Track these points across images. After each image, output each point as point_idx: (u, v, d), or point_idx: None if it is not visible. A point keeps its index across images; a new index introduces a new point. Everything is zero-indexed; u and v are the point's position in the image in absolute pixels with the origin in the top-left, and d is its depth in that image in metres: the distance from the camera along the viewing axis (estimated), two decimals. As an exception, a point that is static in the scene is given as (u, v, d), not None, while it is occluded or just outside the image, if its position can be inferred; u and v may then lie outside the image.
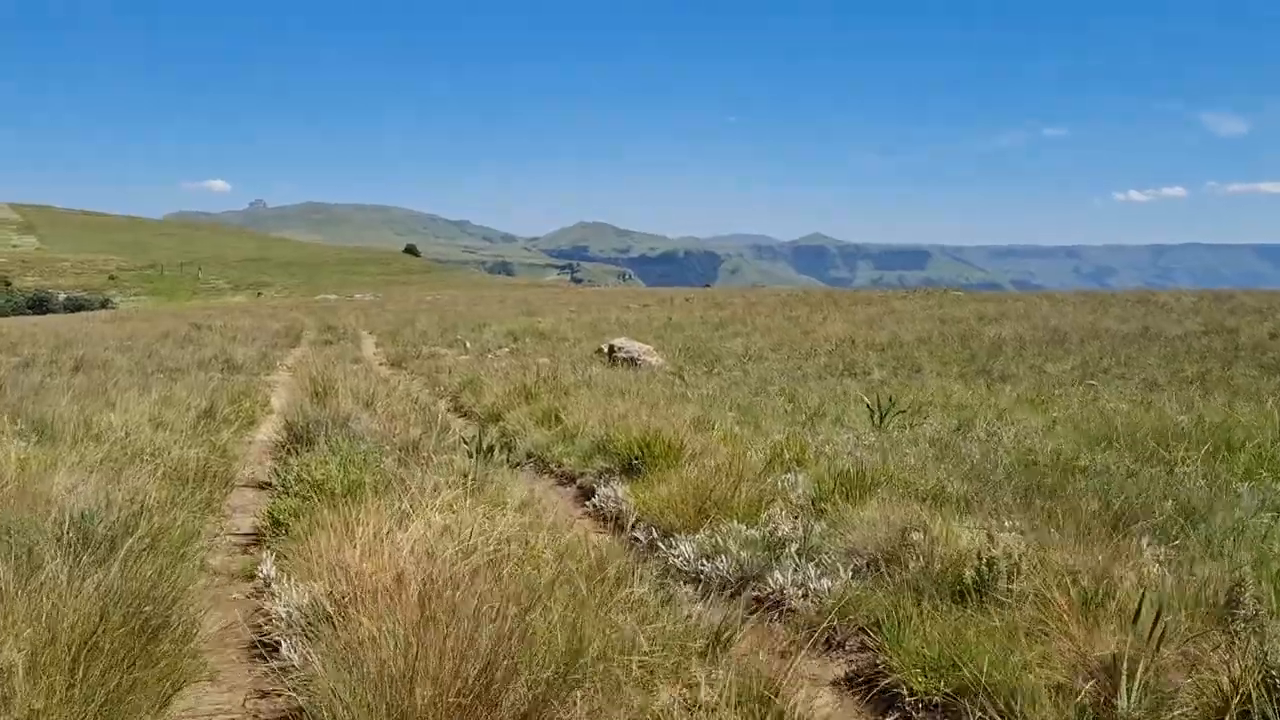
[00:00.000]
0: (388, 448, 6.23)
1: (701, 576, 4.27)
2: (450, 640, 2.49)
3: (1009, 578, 3.62)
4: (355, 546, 3.60)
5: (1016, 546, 3.82)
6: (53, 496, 4.55)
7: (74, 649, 2.67)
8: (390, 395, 9.79)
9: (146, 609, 3.07)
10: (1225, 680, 2.82)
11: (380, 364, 17.07)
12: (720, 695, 2.64)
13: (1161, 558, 3.97)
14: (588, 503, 6.05)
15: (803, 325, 24.64)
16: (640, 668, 2.79)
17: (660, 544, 4.71)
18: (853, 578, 4.01)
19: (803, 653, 3.14)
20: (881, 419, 7.92)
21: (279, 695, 3.08)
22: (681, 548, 4.50)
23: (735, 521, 4.70)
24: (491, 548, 3.50)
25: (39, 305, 70.00)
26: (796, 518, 4.77)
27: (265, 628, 3.61)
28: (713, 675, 2.80)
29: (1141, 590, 3.09)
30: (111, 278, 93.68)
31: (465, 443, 6.61)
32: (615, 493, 5.72)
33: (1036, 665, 2.96)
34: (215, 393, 9.80)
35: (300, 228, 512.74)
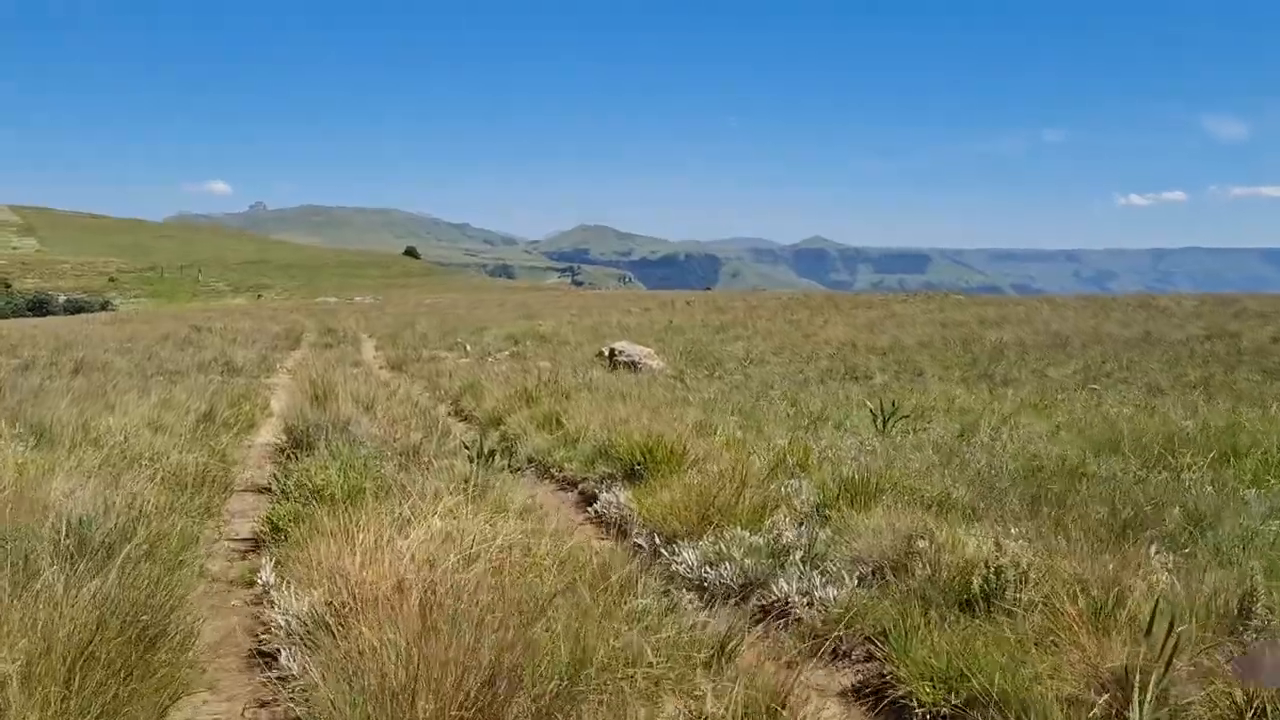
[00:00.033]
0: (388, 453, 6.19)
1: (705, 584, 4.22)
2: (453, 651, 2.45)
3: (1017, 587, 3.58)
4: (355, 553, 3.55)
5: (1024, 555, 3.77)
6: (50, 502, 4.50)
7: (70, 659, 2.62)
8: (390, 399, 9.75)
9: (144, 617, 3.03)
10: (1239, 693, 2.78)
11: (380, 367, 17.03)
12: (727, 708, 2.60)
13: (1170, 566, 3.92)
14: (589, 508, 6.01)
15: (804, 329, 24.62)
16: (645, 679, 2.74)
17: (663, 551, 4.66)
18: (858, 586, 3.96)
19: (813, 665, 3.09)
20: (885, 424, 7.87)
21: (278, 705, 3.04)
22: (685, 555, 4.46)
23: (739, 528, 4.65)
24: (494, 555, 3.45)
25: (39, 307, 69.96)
26: (801, 524, 4.73)
27: (264, 636, 3.57)
28: (719, 687, 2.76)
29: (1155, 601, 3.04)
30: (111, 280, 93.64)
31: (466, 447, 6.57)
32: (617, 498, 5.68)
33: (1047, 677, 2.92)
34: (215, 396, 9.76)
35: (300, 230, 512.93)
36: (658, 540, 4.83)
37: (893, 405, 8.17)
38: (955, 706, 3.02)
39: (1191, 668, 2.92)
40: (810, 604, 3.90)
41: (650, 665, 2.74)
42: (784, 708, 2.73)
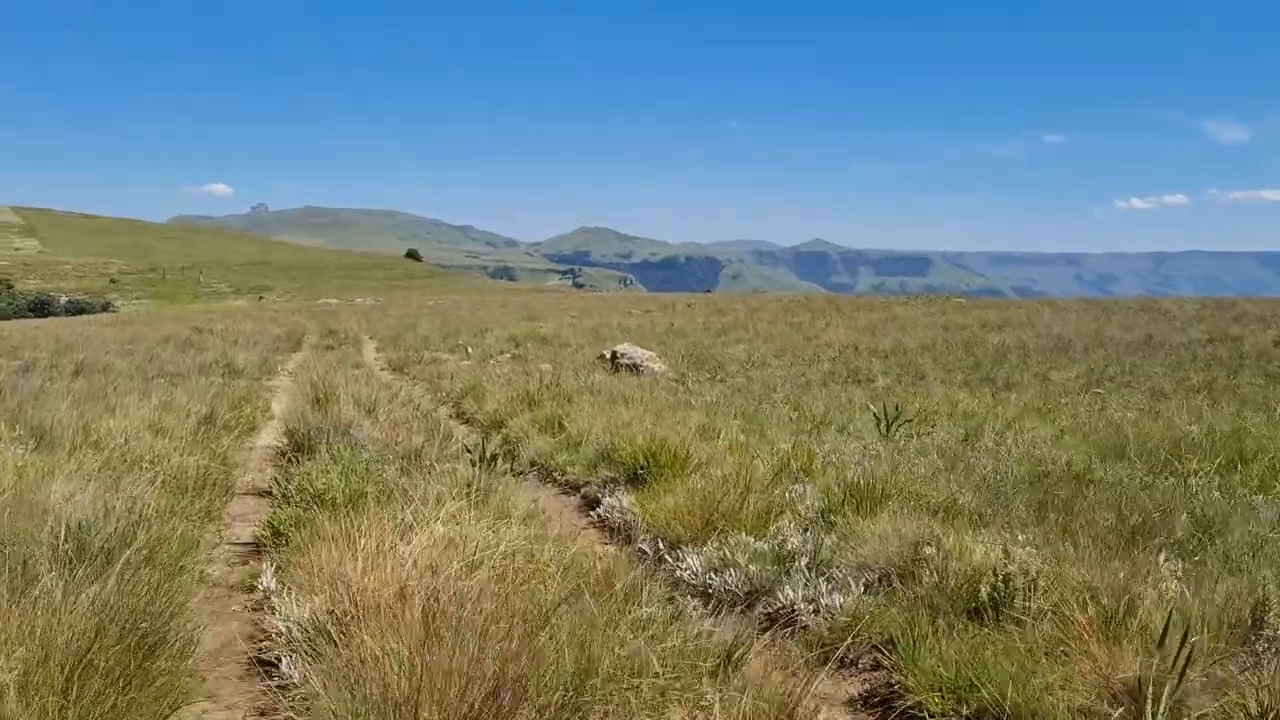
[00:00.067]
0: (390, 456, 6.15)
1: (710, 590, 4.19)
2: (456, 661, 2.41)
3: (1026, 595, 3.54)
4: (357, 559, 3.52)
5: (1032, 562, 3.73)
6: (50, 505, 4.47)
7: (68, 668, 2.59)
8: (392, 402, 9.71)
9: (143, 624, 3.00)
10: (1253, 704, 2.74)
11: (381, 369, 16.99)
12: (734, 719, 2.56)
13: (1180, 574, 3.88)
14: (592, 513, 5.97)
15: (805, 331, 24.56)
16: (651, 689, 2.71)
17: (667, 556, 4.63)
18: (865, 593, 3.93)
19: (820, 674, 3.05)
20: (888, 428, 7.83)
21: (279, 714, 3.00)
22: (689, 561, 4.42)
23: (743, 534, 4.61)
24: (497, 562, 3.42)
25: (41, 308, 69.98)
26: (806, 530, 4.69)
27: (265, 643, 3.53)
28: (726, 696, 2.72)
29: (1168, 612, 3.00)
30: (113, 281, 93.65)
31: (468, 451, 6.53)
32: (621, 503, 5.64)
33: (1058, 687, 2.88)
34: (216, 398, 9.72)
35: (302, 232, 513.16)
36: (662, 546, 4.80)
37: (896, 409, 8.13)
38: (965, 717, 2.98)
39: (1204, 679, 2.88)
40: (816, 611, 3.86)
41: (656, 675, 2.70)
42: (792, 719, 2.69)
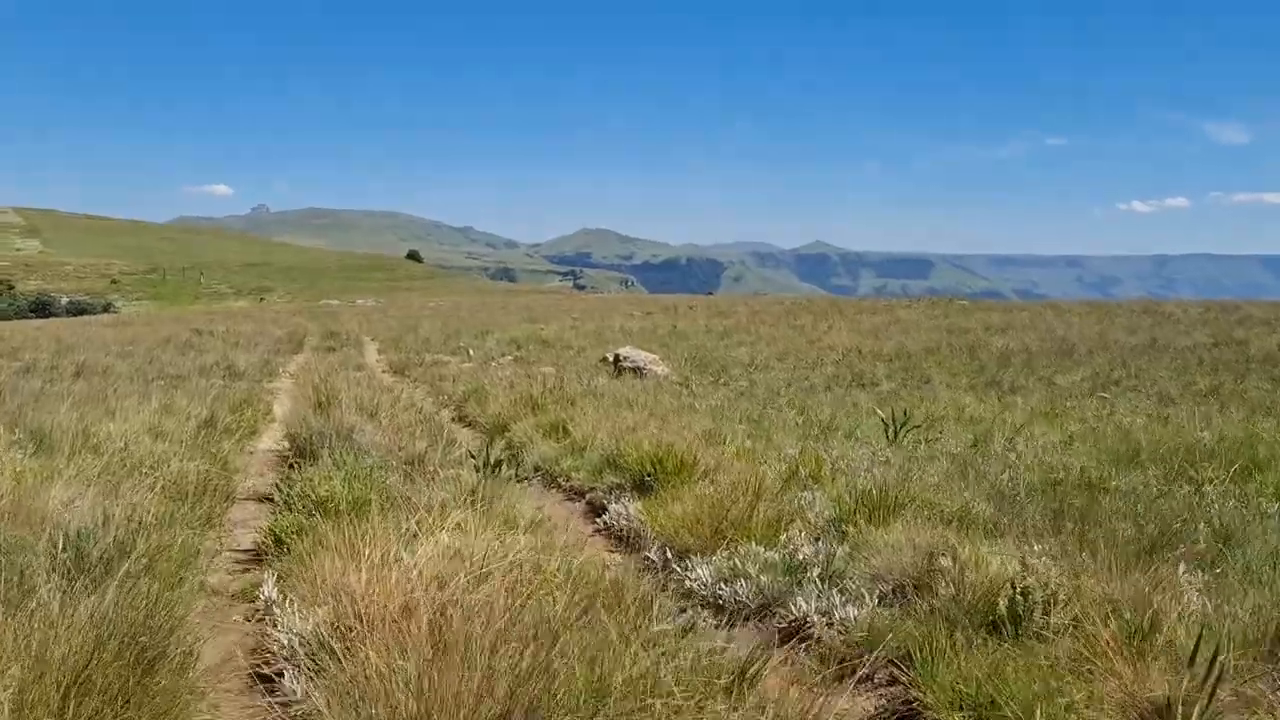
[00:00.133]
0: (393, 462, 6.08)
1: (720, 601, 4.11)
2: (467, 681, 2.33)
3: (1045, 608, 3.46)
4: (361, 570, 3.44)
5: (1051, 574, 3.65)
6: (48, 512, 4.40)
7: (64, 685, 2.51)
8: (394, 405, 9.63)
9: (142, 638, 2.91)
10: (1286, 725, 2.66)
11: (383, 371, 16.92)
12: (752, 740, 2.48)
13: (1201, 586, 3.80)
14: (598, 519, 5.89)
15: (808, 334, 24.49)
16: (664, 708, 2.62)
17: (676, 566, 4.55)
18: (879, 605, 3.85)
19: (836, 689, 2.97)
20: (896, 433, 7.75)
21: (281, 730, 2.92)
22: (699, 571, 4.34)
23: (753, 543, 4.54)
24: (505, 574, 3.33)
25: (42, 309, 69.99)
26: (817, 539, 4.61)
27: (266, 656, 3.45)
28: (743, 715, 2.64)
29: (1199, 628, 2.92)
30: (114, 282, 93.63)
31: (472, 456, 6.45)
32: (627, 510, 5.56)
33: (1083, 706, 2.80)
34: (216, 401, 9.64)
35: (303, 233, 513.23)
36: (670, 555, 4.72)
37: (904, 414, 8.05)
38: (987, 737, 2.90)
39: (1233, 697, 2.80)
40: (830, 624, 3.78)
41: (671, 694, 2.62)
42: (810, 738, 2.61)
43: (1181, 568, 3.95)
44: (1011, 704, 2.87)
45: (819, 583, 4.04)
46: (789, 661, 3.48)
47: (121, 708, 2.58)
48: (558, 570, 3.71)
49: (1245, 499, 5.35)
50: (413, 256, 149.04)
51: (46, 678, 2.51)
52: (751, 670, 3.00)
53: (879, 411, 8.94)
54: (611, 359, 16.08)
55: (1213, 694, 2.65)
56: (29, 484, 5.04)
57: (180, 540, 4.46)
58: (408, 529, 3.97)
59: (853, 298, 60.42)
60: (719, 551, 4.54)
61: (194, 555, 4.51)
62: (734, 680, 2.97)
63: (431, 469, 6.00)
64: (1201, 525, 4.68)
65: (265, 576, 4.16)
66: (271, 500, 5.98)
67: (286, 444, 7.86)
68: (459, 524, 4.14)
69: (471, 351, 19.88)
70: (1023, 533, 4.43)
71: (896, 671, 3.41)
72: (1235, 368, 16.35)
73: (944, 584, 3.80)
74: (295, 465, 6.55)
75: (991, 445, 7.48)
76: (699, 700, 2.74)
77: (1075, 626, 3.33)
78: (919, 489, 5.20)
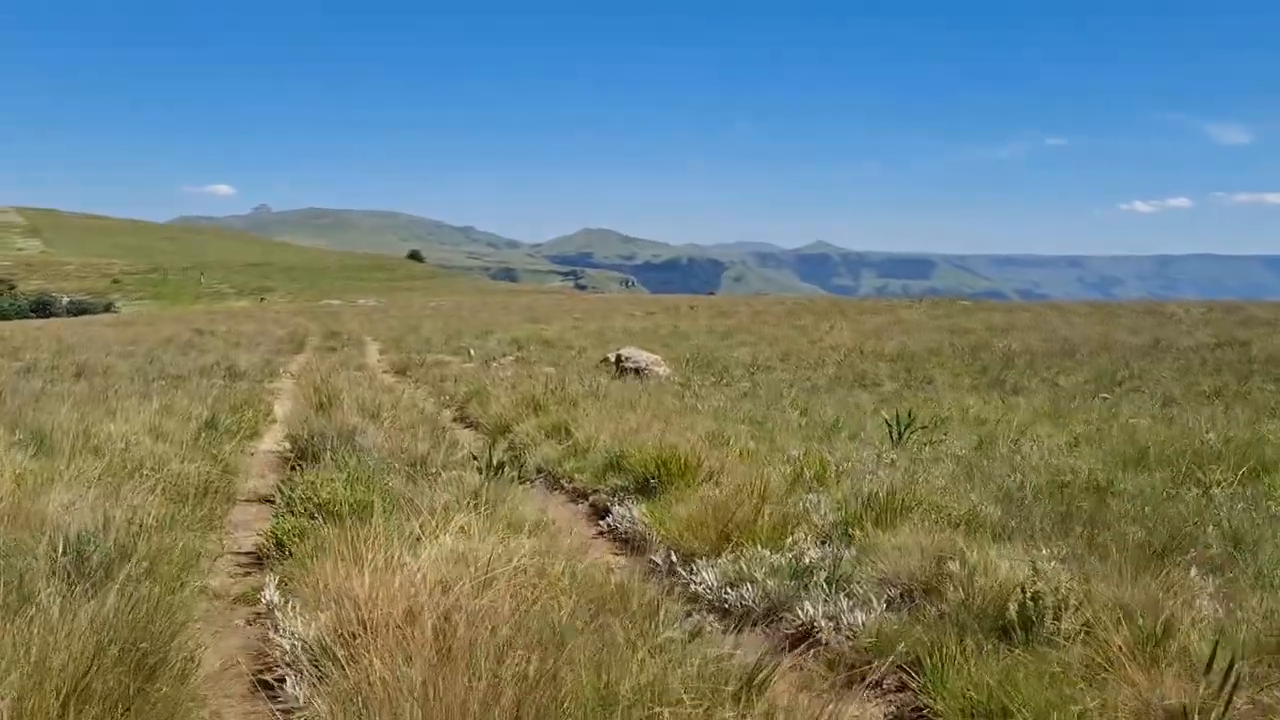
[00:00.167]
0: (395, 464, 6.04)
1: (726, 605, 4.07)
2: (473, 690, 2.29)
3: (1056, 613, 3.42)
4: (364, 574, 3.40)
5: (1061, 579, 3.61)
6: (48, 515, 4.36)
7: (64, 693, 2.47)
8: (396, 406, 9.59)
9: (143, 644, 2.88)
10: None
11: (384, 371, 16.89)
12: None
13: (1212, 591, 3.76)
14: (602, 522, 5.86)
15: (810, 334, 24.45)
16: (673, 715, 2.58)
17: (681, 569, 4.51)
18: (887, 610, 3.81)
19: (846, 695, 2.93)
20: (900, 435, 7.71)
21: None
22: (704, 575, 4.30)
23: (759, 546, 4.50)
24: (509, 579, 3.30)
25: (43, 309, 70.06)
26: (823, 543, 4.57)
27: (268, 661, 3.41)
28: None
29: (1215, 635, 2.88)
30: (115, 281, 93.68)
31: (475, 458, 6.42)
32: (631, 513, 5.52)
33: (1097, 715, 2.76)
34: (217, 402, 9.60)
35: (304, 233, 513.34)
36: (675, 558, 4.67)
37: (909, 415, 8.00)
38: (999, 745, 2.86)
39: (1250, 705, 2.76)
40: (837, 628, 3.74)
41: (680, 702, 2.58)
42: (820, 747, 2.57)
43: (1193, 572, 3.91)
44: (1024, 711, 2.83)
45: (826, 587, 4.00)
46: (797, 667, 3.44)
47: (122, 715, 2.55)
48: (563, 574, 3.68)
49: (1254, 502, 5.30)
50: (414, 256, 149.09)
51: (46, 686, 2.47)
52: (760, 677, 2.96)
53: (883, 413, 8.89)
54: (613, 359, 16.03)
55: (1229, 702, 2.61)
56: (29, 486, 5.01)
57: (181, 543, 4.43)
58: (411, 532, 3.93)
59: (854, 298, 60.40)
60: (724, 555, 4.50)
61: (195, 558, 4.48)
62: (742, 687, 2.93)
63: (434, 471, 5.97)
64: (1211, 529, 4.64)
65: (267, 580, 4.13)
66: (273, 502, 5.95)
67: (288, 445, 7.82)
68: (462, 527, 4.10)
69: (473, 352, 19.84)
70: (1031, 536, 4.39)
71: (905, 677, 3.37)
72: (1239, 369, 16.29)
73: (953, 588, 3.76)
74: (297, 467, 6.52)
75: (996, 447, 7.43)
76: (707, 708, 2.70)
77: (1087, 632, 3.29)
78: (925, 491, 5.16)
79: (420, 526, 3.99)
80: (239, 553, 5.13)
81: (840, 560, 4.24)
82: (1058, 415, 10.13)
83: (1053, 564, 3.81)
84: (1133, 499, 5.25)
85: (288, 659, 3.20)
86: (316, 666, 2.97)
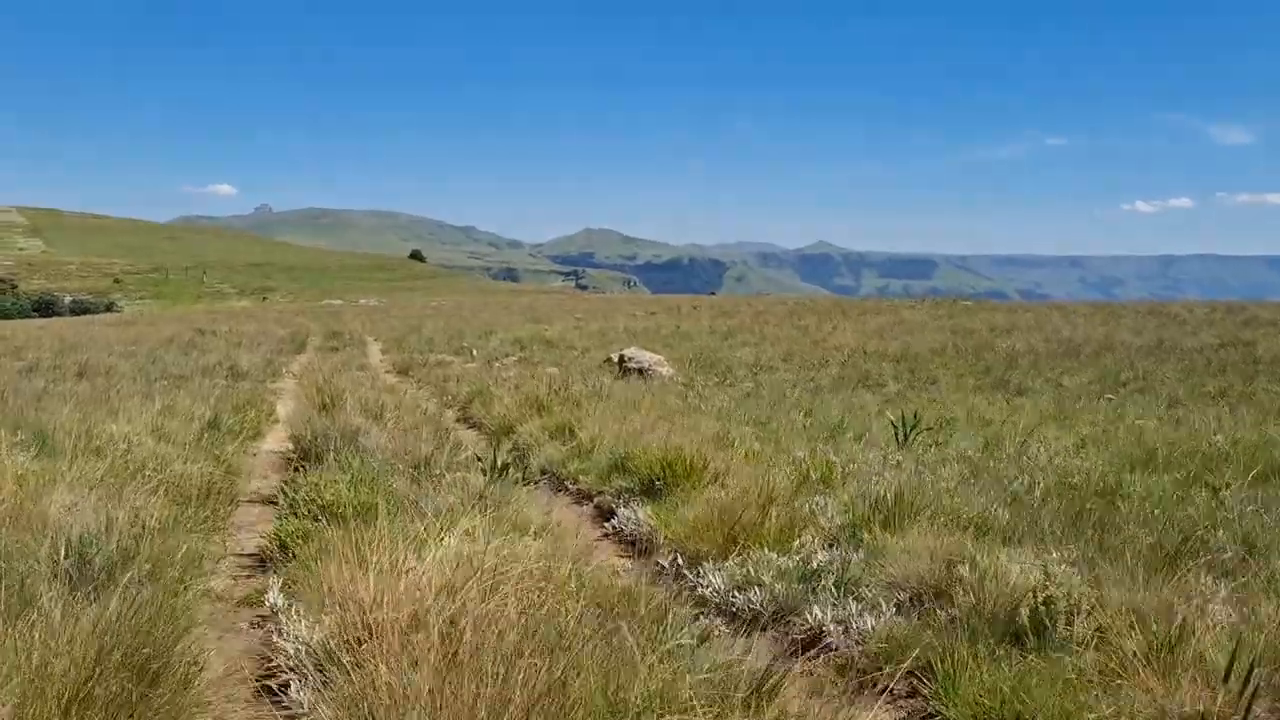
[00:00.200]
0: (399, 465, 6.00)
1: (734, 609, 4.03)
2: (481, 698, 2.26)
3: (1069, 619, 3.38)
4: (368, 578, 3.36)
5: (1074, 583, 3.57)
6: (50, 517, 4.33)
7: (65, 700, 2.44)
8: (399, 406, 9.56)
9: (145, 650, 2.84)
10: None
11: (386, 371, 16.85)
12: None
13: (1226, 596, 3.72)
14: (607, 524, 5.82)
15: (812, 335, 24.41)
16: (682, 723, 2.55)
17: (688, 572, 4.47)
18: (896, 614, 3.77)
19: (859, 703, 2.89)
20: (906, 436, 7.67)
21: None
22: (711, 578, 4.27)
23: (766, 549, 4.46)
24: (516, 581, 3.26)
25: (45, 308, 70.11)
26: (831, 546, 4.53)
27: (272, 665, 3.37)
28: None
29: (1233, 642, 2.84)
30: (117, 281, 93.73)
31: (479, 459, 6.38)
32: (637, 515, 5.48)
33: (1113, 722, 2.72)
34: (219, 402, 9.57)
35: (306, 233, 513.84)
36: (681, 561, 4.64)
37: (914, 416, 7.97)
38: (1013, 753, 2.83)
39: (1269, 713, 2.72)
40: (846, 633, 3.70)
41: (690, 709, 2.54)
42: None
43: (1206, 576, 3.88)
44: (1038, 718, 2.79)
45: (834, 591, 3.96)
46: (807, 673, 3.41)
47: (124, 723, 2.51)
48: (569, 578, 3.64)
49: (1265, 505, 5.26)
50: (415, 256, 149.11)
51: (47, 693, 2.44)
52: (770, 683, 2.92)
53: (888, 414, 8.86)
54: (616, 359, 16.00)
55: (1249, 709, 2.57)
56: (31, 487, 4.97)
57: (184, 546, 4.39)
58: (415, 535, 3.89)
59: (856, 298, 60.36)
60: (731, 558, 4.46)
61: (198, 561, 4.44)
62: (752, 693, 2.90)
63: (438, 472, 5.93)
64: (1222, 532, 4.60)
65: (271, 583, 4.09)
66: (276, 503, 5.91)
67: (290, 446, 7.79)
68: (467, 530, 4.06)
69: (475, 352, 19.81)
70: (1041, 539, 4.36)
71: (916, 682, 3.33)
72: (1243, 369, 16.25)
73: (963, 593, 3.72)
74: (300, 468, 6.49)
75: (1003, 448, 7.39)
76: (718, 714, 2.66)
77: (1100, 637, 3.25)
78: (933, 494, 5.12)
79: (425, 529, 3.96)
80: (242, 555, 5.10)
81: (849, 563, 4.20)
82: (1063, 416, 10.10)
83: (1064, 568, 3.78)
84: (1142, 502, 5.21)
85: (292, 664, 3.16)
86: (321, 671, 2.93)
